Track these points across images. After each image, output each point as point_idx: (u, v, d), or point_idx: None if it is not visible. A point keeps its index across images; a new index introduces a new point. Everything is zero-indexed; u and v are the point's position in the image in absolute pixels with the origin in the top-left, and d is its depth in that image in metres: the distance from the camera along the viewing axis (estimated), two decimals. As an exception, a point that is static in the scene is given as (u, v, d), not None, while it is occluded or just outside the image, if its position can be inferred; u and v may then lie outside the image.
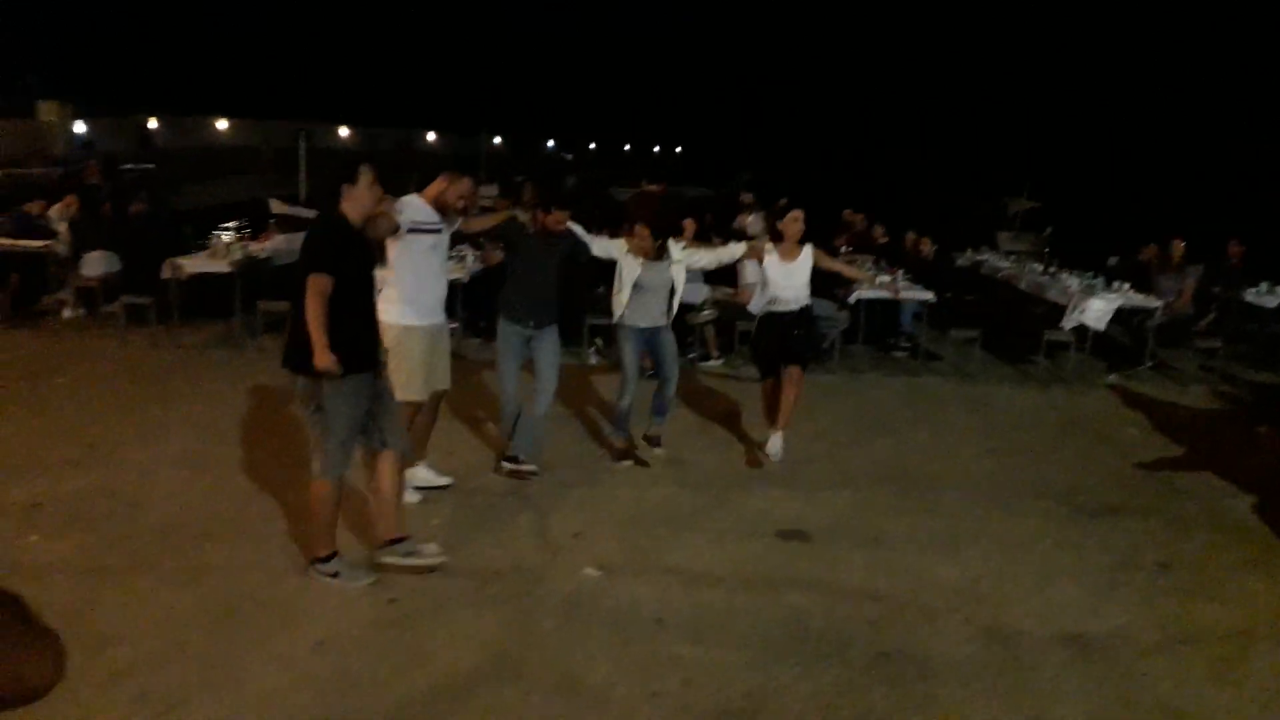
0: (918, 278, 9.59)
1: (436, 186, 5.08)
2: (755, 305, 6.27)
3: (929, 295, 9.18)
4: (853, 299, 9.04)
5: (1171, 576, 4.86)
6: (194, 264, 8.81)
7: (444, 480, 5.45)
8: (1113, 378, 9.09)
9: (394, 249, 4.94)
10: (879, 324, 9.86)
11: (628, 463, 6.07)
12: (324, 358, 3.93)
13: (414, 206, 4.94)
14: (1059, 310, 9.35)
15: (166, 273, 8.58)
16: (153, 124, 41.01)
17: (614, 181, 24.27)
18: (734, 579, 4.57)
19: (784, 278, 6.10)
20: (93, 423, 6.43)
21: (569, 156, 59.25)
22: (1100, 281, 9.48)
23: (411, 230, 4.84)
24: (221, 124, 48.19)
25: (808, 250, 6.16)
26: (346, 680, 3.57)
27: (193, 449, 6.00)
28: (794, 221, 6.09)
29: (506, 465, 5.71)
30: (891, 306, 9.71)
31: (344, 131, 54.75)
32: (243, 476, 5.56)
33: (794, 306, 6.14)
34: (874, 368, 9.19)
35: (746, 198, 11.27)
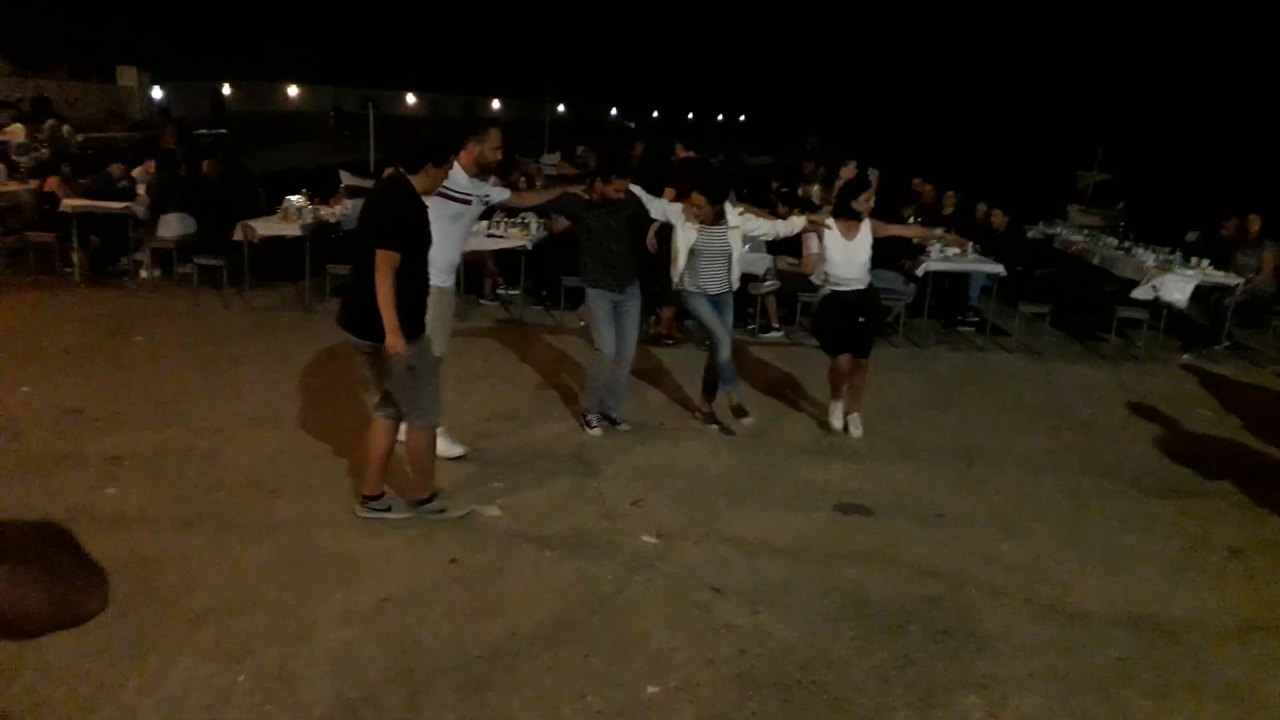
0: (988, 250, 9.38)
1: (468, 153, 5.09)
2: (817, 275, 6.20)
3: (999, 268, 8.98)
4: (920, 271, 8.88)
5: (1243, 561, 4.73)
6: (266, 227, 8.98)
7: (458, 450, 5.38)
8: (1187, 357, 8.82)
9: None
10: (947, 297, 9.68)
11: (714, 427, 6.14)
12: (398, 343, 4.08)
13: (451, 174, 4.87)
14: (1133, 286, 9.08)
15: (238, 235, 8.76)
16: (226, 90, 41.79)
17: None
18: (793, 550, 4.57)
19: (845, 255, 5.99)
20: (169, 380, 6.62)
21: (631, 124, 58.99)
22: (1178, 257, 9.17)
23: (439, 195, 4.82)
24: (292, 90, 48.90)
25: (867, 225, 6.05)
26: (410, 636, 3.65)
27: (264, 407, 6.15)
28: (867, 200, 5.99)
29: (596, 424, 5.91)
30: (960, 280, 9.52)
31: (410, 99, 55.19)
32: (312, 434, 5.69)
33: (858, 286, 6.03)
34: (939, 342, 9.04)
35: (809, 166, 11.08)
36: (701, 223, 5.80)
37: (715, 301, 5.92)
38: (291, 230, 8.86)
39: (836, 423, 6.18)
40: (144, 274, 9.87)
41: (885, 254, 9.42)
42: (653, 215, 5.92)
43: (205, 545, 4.29)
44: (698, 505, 5.02)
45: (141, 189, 10.16)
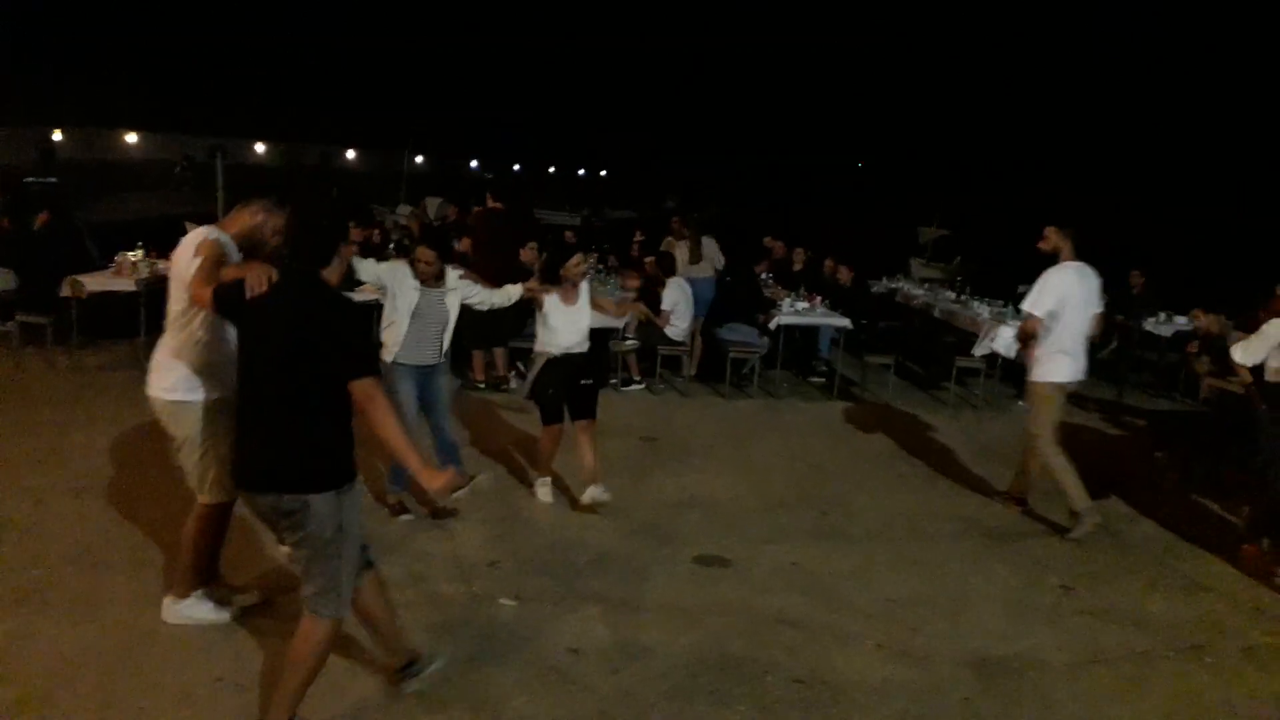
0: (835, 304, 9.77)
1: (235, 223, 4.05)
2: (537, 343, 5.87)
3: (846, 322, 9.35)
4: (773, 325, 9.16)
5: (1075, 598, 5.00)
6: (96, 282, 8.48)
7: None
8: (1022, 404, 9.36)
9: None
10: (798, 349, 10.01)
11: (407, 516, 5.44)
12: (436, 476, 3.19)
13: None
14: (971, 337, 9.60)
15: (66, 290, 8.23)
16: (57, 136, 39.50)
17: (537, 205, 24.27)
18: (653, 606, 4.55)
19: (565, 321, 5.71)
20: (-18, 448, 6.11)
21: (489, 176, 59.02)
22: (1010, 309, 9.76)
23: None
24: (131, 137, 46.64)
25: (585, 290, 5.82)
26: (249, 716, 3.43)
27: (91, 475, 5.74)
28: (576, 266, 5.74)
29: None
30: (810, 333, 9.87)
31: (260, 147, 53.53)
32: (144, 504, 5.33)
33: (580, 350, 5.78)
34: (792, 392, 9.31)
35: (676, 222, 11.17)
36: (424, 282, 5.29)
37: (428, 373, 5.40)
38: (125, 285, 8.39)
39: (545, 496, 5.86)
40: (-42, 333, 9.12)
41: (740, 308, 9.70)
42: (363, 278, 5.49)
43: (20, 627, 3.95)
44: (556, 565, 4.95)
45: (-44, 242, 9.43)
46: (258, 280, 3.25)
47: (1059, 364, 5.92)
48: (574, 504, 5.81)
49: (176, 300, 3.85)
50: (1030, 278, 6.17)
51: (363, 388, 3.08)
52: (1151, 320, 10.56)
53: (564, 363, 5.72)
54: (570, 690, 3.76)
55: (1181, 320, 10.28)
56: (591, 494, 5.72)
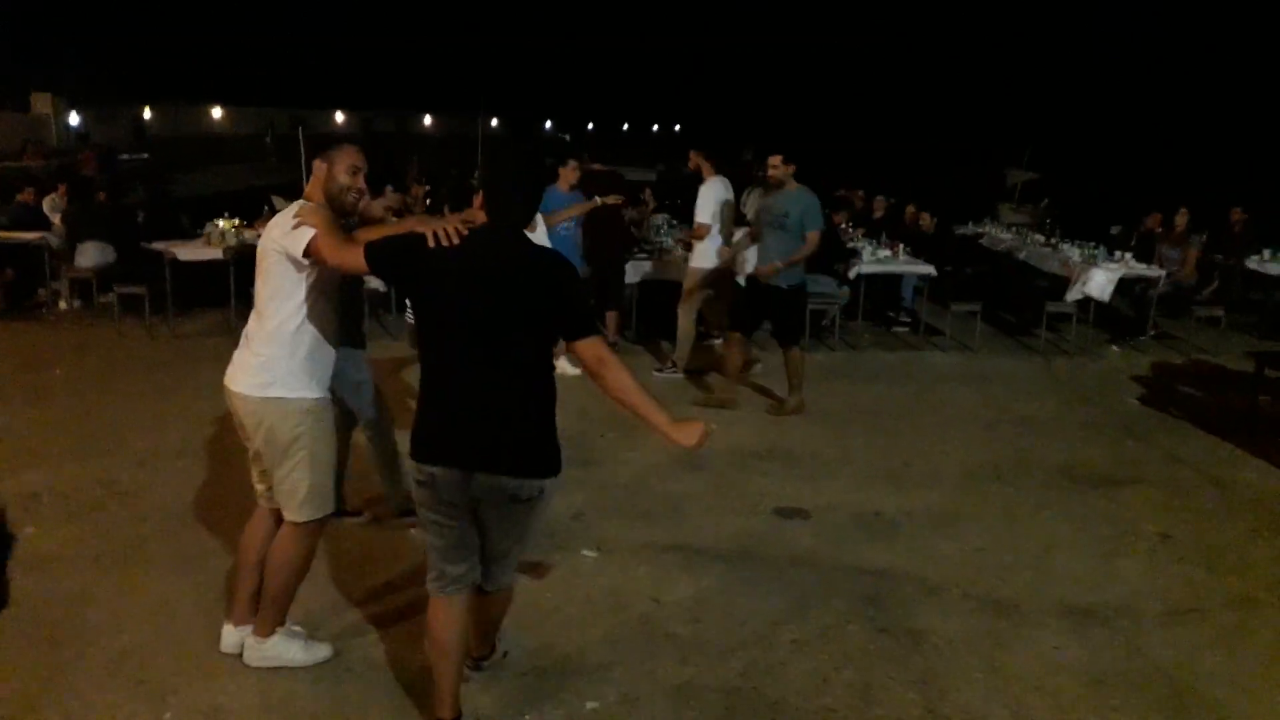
0: (918, 251, 9.54)
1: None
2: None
3: (930, 269, 9.13)
4: (853, 274, 8.99)
5: (1172, 546, 4.84)
6: (188, 251, 8.77)
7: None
8: (1115, 348, 9.04)
9: None
10: (880, 299, 9.81)
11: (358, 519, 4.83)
12: (688, 430, 2.93)
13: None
14: (1061, 281, 9.29)
15: (157, 248, 8.57)
16: (147, 114, 40.84)
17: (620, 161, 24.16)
18: (733, 557, 4.56)
19: None
20: (89, 414, 6.41)
21: (566, 137, 58.98)
22: (1102, 251, 9.41)
23: None
24: (216, 112, 47.96)
25: None
26: (342, 665, 3.55)
27: (190, 439, 5.97)
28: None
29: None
30: (893, 281, 9.66)
31: (340, 117, 54.47)
32: (238, 465, 5.52)
33: None
34: (874, 344, 9.15)
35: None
36: None
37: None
38: (214, 254, 8.66)
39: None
40: (63, 305, 9.57)
41: (820, 259, 9.58)
42: None
43: (128, 582, 4.15)
44: (637, 517, 4.98)
45: (56, 218, 9.85)
46: (445, 233, 2.80)
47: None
48: (654, 455, 5.79)
49: (269, 282, 3.24)
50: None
51: (592, 348, 2.80)
52: (1255, 259, 10.07)
53: None
54: (652, 639, 3.79)
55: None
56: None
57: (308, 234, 3.08)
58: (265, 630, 3.46)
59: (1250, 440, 6.36)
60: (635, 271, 8.73)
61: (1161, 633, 3.97)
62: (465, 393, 2.81)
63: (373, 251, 2.92)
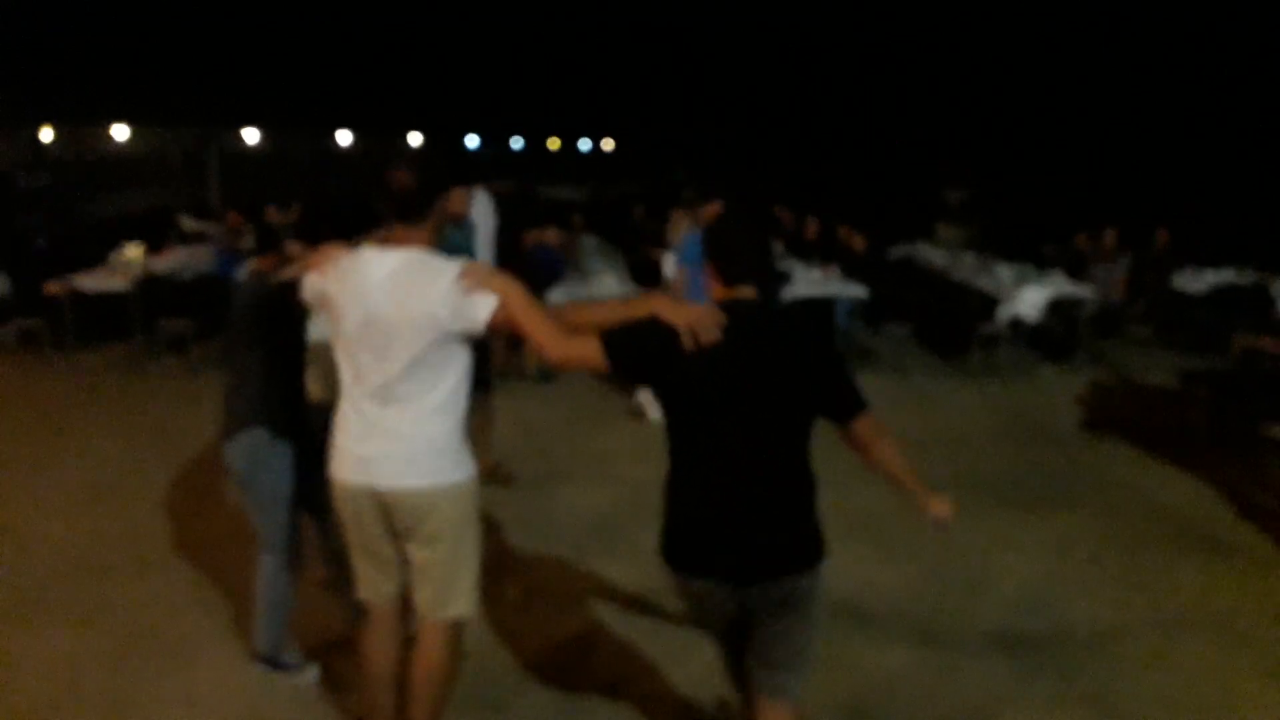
0: (850, 273, 9.48)
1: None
2: None
3: (862, 291, 9.08)
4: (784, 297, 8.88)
5: (1102, 568, 4.77)
6: (93, 281, 8.23)
7: None
8: (1048, 369, 9.10)
9: None
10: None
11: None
12: (943, 503, 2.88)
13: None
14: (992, 301, 9.33)
15: (54, 289, 7.97)
16: (46, 134, 39.09)
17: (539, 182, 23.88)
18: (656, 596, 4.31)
19: None
20: (-22, 460, 5.90)
21: (485, 155, 58.31)
22: (1031, 269, 9.48)
23: None
24: (120, 131, 46.21)
25: None
26: (252, 716, 3.27)
27: (90, 480, 5.57)
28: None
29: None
30: (826, 304, 9.58)
31: (251, 136, 52.95)
32: (145, 507, 5.14)
33: None
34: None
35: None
36: None
37: None
38: (117, 285, 8.13)
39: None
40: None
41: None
42: None
43: (22, 635, 3.81)
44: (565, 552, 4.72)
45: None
46: (706, 325, 2.39)
47: None
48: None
49: (410, 348, 2.60)
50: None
51: (869, 424, 2.60)
52: (1180, 277, 10.29)
53: None
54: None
55: (1215, 274, 10.04)
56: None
57: (490, 303, 2.58)
58: None
59: (1179, 460, 6.38)
60: (566, 297, 8.48)
61: (1092, 656, 3.90)
62: (737, 498, 2.44)
63: (616, 350, 2.46)
